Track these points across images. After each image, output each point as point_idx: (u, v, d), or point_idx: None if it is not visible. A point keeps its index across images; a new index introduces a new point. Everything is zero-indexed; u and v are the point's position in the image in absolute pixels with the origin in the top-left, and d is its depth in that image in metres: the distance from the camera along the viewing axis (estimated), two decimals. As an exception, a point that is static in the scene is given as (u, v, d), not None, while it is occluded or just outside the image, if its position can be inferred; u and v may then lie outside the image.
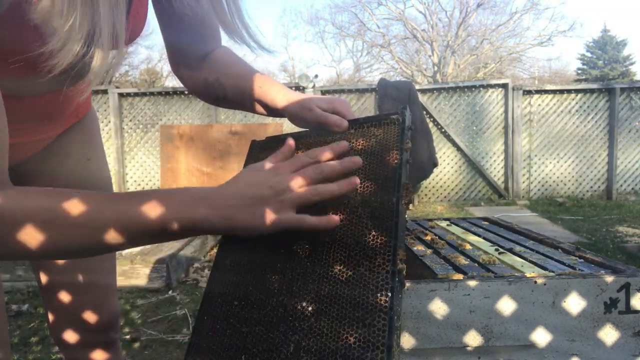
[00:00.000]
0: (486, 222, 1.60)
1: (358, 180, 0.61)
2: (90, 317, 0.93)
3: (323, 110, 0.75)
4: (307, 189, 0.58)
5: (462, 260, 1.07)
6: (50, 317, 0.96)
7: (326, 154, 0.63)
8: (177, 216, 0.54)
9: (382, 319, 0.48)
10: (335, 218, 0.58)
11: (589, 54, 27.37)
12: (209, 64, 0.84)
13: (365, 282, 0.52)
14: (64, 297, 0.92)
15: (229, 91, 0.83)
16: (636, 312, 0.84)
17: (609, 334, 0.85)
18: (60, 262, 0.90)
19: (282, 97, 0.78)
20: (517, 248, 1.18)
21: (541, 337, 0.85)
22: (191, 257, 3.37)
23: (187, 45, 0.83)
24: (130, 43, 0.73)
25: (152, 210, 0.53)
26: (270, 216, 0.56)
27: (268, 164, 0.62)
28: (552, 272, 0.93)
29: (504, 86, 6.43)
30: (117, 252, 1.01)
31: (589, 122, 6.41)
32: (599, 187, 6.54)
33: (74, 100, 0.84)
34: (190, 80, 0.87)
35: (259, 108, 0.83)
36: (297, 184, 0.58)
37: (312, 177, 0.59)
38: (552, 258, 1.06)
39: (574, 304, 0.85)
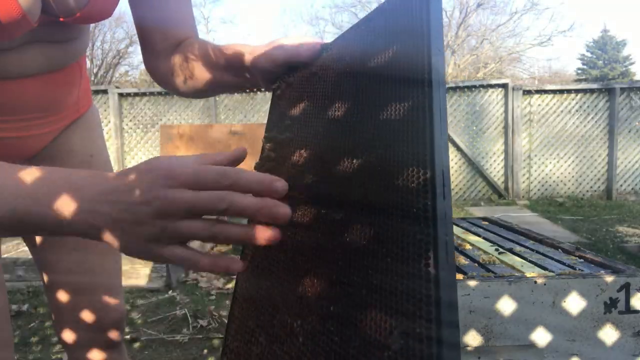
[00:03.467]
0: (486, 222, 1.60)
1: (275, 235, 0.43)
2: (95, 317, 0.93)
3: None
4: (200, 224, 0.42)
5: (462, 260, 1.07)
6: (55, 316, 0.96)
7: (248, 184, 0.43)
8: (24, 209, 0.43)
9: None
10: (236, 266, 0.45)
11: (589, 54, 27.37)
12: (182, 48, 0.80)
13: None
14: (68, 296, 0.92)
15: (198, 64, 0.76)
16: (636, 312, 0.84)
17: (609, 334, 0.85)
18: (65, 261, 0.90)
19: (249, 49, 0.71)
20: (517, 248, 1.18)
21: (541, 337, 0.85)
22: (191, 257, 3.38)
23: (161, 27, 0.79)
24: (97, 15, 0.72)
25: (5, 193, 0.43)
26: (141, 244, 0.43)
27: (174, 163, 0.44)
28: (552, 272, 0.93)
29: (504, 86, 6.42)
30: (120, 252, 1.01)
31: (589, 122, 6.41)
32: (599, 187, 6.54)
33: (68, 87, 0.84)
34: (161, 70, 0.81)
35: (227, 76, 0.75)
36: (189, 209, 0.42)
37: (209, 208, 0.42)
38: (552, 258, 1.06)
39: (574, 304, 0.85)
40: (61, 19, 0.68)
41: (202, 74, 0.77)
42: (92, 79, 16.85)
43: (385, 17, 0.57)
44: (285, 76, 0.69)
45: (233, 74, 0.74)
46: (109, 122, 6.52)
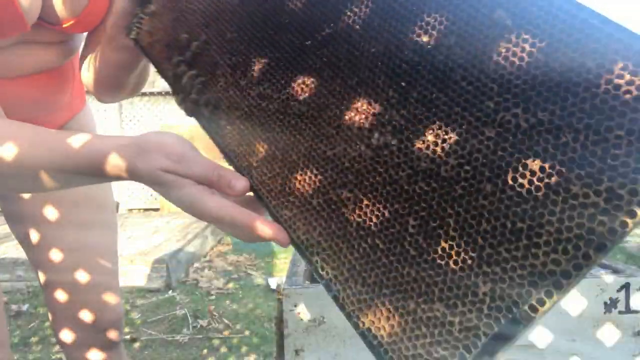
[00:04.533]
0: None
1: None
2: (93, 317, 0.93)
3: None
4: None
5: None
6: (53, 316, 0.95)
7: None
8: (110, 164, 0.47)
9: None
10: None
11: (589, 54, 27.38)
12: None
13: None
14: (66, 296, 0.92)
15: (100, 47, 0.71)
16: (636, 312, 0.84)
17: (609, 334, 0.85)
18: (62, 261, 0.90)
19: None
20: (517, 248, 1.17)
21: (541, 337, 0.85)
22: (191, 257, 3.37)
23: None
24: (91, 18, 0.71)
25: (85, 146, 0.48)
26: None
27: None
28: (552, 272, 0.93)
29: (504, 86, 6.43)
30: (117, 252, 1.00)
31: (589, 122, 6.42)
32: (599, 187, 6.54)
33: (59, 88, 0.84)
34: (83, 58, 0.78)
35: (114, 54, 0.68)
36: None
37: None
38: (552, 258, 1.06)
39: (574, 303, 0.85)
40: (59, 27, 0.68)
41: (102, 56, 0.70)
42: (93, 79, 16.86)
43: None
44: (140, 10, 0.58)
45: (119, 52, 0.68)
46: (110, 122, 6.52)
